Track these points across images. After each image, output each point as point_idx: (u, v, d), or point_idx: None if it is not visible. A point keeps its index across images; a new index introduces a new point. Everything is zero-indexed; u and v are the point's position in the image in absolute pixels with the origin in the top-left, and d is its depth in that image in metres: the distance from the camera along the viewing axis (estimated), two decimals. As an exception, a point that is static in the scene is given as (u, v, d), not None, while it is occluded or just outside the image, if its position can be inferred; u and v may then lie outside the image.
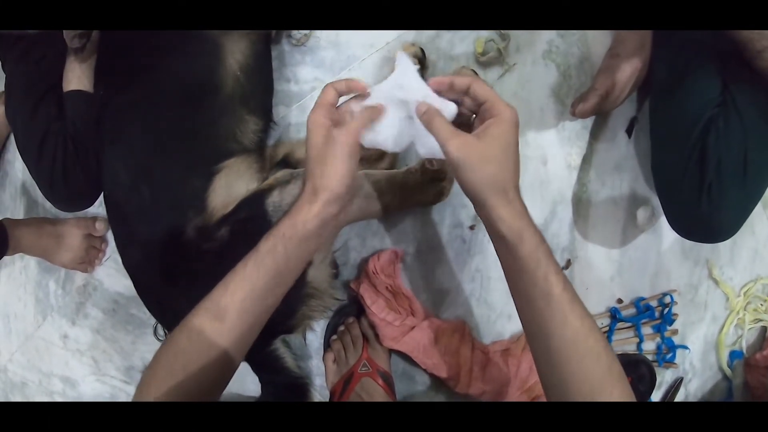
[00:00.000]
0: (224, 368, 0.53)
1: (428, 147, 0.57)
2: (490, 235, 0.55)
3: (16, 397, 1.11)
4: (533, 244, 0.51)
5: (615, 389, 0.50)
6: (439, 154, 0.55)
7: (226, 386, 0.56)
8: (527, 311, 0.53)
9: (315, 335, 0.95)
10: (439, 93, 0.56)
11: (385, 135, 0.57)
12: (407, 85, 0.55)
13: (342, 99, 0.57)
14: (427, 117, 0.53)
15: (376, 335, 0.90)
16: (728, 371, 1.03)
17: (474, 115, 0.57)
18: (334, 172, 0.52)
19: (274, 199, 0.73)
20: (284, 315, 0.78)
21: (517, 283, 0.53)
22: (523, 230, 0.51)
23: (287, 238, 0.52)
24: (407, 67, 0.56)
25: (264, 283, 0.53)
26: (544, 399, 0.89)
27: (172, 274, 0.75)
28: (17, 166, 1.07)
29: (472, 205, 0.94)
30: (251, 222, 0.72)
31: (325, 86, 0.56)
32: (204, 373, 0.51)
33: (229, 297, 0.52)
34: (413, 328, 0.89)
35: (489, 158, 0.50)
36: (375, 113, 0.56)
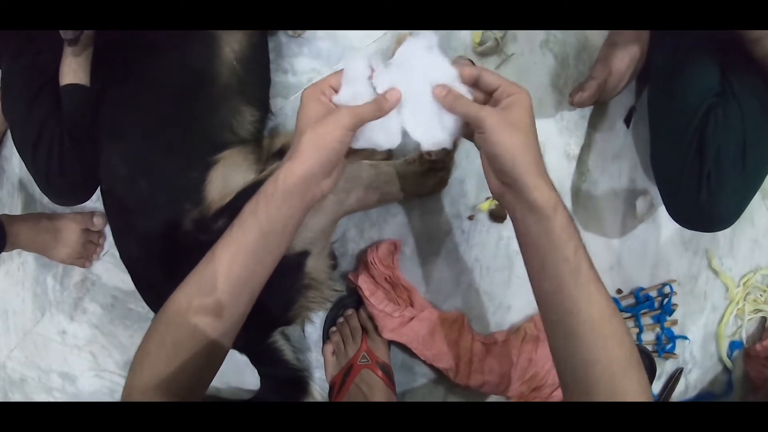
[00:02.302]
0: (216, 341, 0.52)
1: (431, 133, 0.56)
2: (516, 211, 0.52)
3: (15, 394, 1.11)
4: (566, 217, 0.50)
5: (635, 375, 0.49)
6: (444, 137, 0.55)
7: (221, 363, 0.55)
8: (552, 290, 0.51)
9: (314, 327, 0.95)
10: None
11: (378, 133, 0.56)
12: (436, 65, 0.55)
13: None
14: (451, 98, 0.53)
15: (375, 327, 0.89)
16: (728, 362, 1.03)
17: None
18: (325, 133, 0.51)
19: (271, 190, 0.72)
20: (283, 306, 0.78)
21: (545, 259, 0.51)
22: (557, 202, 0.50)
23: (268, 195, 0.51)
24: (432, 50, 0.56)
25: (247, 243, 0.51)
26: (542, 390, 0.90)
27: (169, 267, 0.75)
28: (14, 162, 1.06)
29: (470, 196, 0.95)
30: (248, 213, 0.72)
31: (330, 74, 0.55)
32: (195, 346, 0.50)
33: (216, 262, 0.51)
34: (412, 319, 0.89)
35: (520, 127, 0.50)
36: (382, 106, 0.54)
